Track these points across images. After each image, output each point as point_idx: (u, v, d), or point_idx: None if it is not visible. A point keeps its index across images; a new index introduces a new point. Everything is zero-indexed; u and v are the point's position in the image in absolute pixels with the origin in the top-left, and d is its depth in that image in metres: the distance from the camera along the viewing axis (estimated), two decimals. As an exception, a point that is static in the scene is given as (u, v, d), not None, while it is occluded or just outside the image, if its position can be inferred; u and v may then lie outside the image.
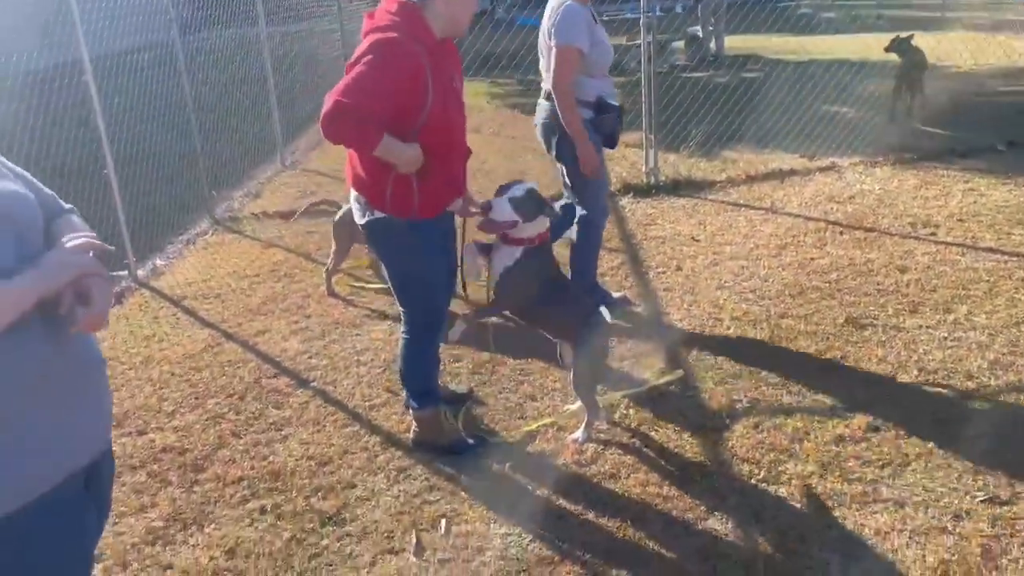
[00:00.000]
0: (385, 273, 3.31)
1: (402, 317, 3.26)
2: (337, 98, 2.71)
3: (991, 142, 7.37)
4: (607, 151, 4.44)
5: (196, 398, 3.82)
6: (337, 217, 4.80)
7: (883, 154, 7.28)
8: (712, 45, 14.82)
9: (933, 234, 5.39)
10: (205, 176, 6.78)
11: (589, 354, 3.26)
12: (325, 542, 2.82)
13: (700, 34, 15.04)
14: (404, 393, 3.37)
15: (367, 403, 3.71)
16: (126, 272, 5.43)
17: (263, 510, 3.00)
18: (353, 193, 3.10)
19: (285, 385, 3.91)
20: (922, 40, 8.85)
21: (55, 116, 5.58)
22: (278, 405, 3.73)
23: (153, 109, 6.72)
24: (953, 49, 10.67)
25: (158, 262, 5.84)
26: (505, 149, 8.86)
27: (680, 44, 15.61)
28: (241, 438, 3.49)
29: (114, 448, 3.29)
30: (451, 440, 3.32)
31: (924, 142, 7.61)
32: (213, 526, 2.93)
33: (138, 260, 5.63)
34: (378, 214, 3.01)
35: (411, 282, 3.17)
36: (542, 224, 3.15)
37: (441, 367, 3.84)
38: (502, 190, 3.11)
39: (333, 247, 4.85)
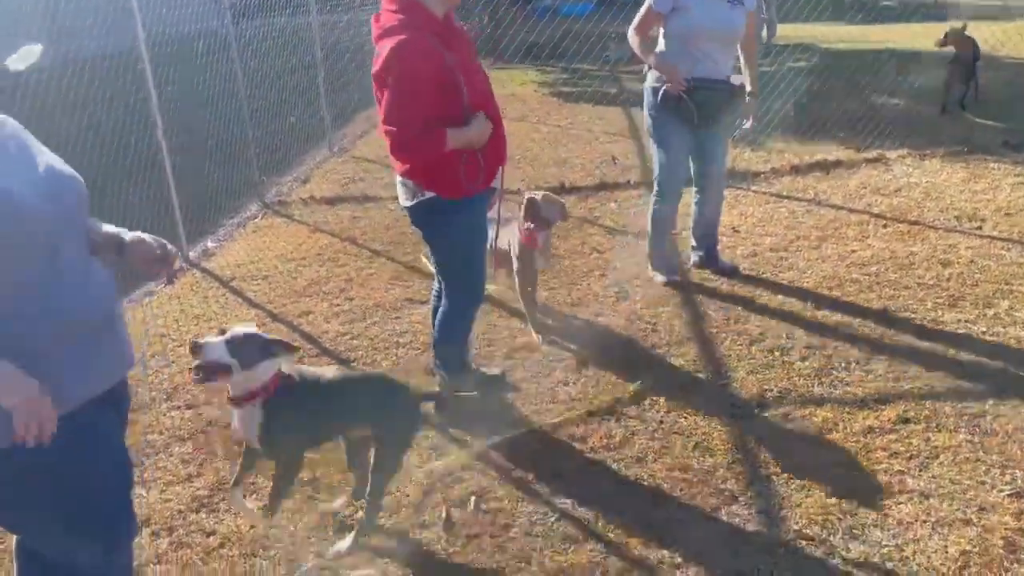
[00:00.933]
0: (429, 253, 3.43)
1: (443, 291, 3.39)
2: (387, 129, 2.99)
3: (1047, 135, 7.20)
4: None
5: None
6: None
7: (933, 146, 7.16)
8: (764, 33, 14.63)
9: (979, 228, 5.31)
10: (255, 162, 6.97)
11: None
12: (359, 514, 2.94)
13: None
14: (433, 359, 3.55)
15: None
16: (179, 253, 5.63)
17: (302, 483, 3.13)
18: (399, 178, 3.21)
19: (327, 364, 4.04)
20: (985, 30, 8.66)
21: (111, 103, 5.80)
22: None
23: (206, 96, 6.91)
24: (1013, 38, 10.37)
25: (209, 244, 6.05)
26: (549, 137, 8.92)
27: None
28: (283, 414, 3.63)
29: (164, 421, 3.49)
30: (475, 406, 3.51)
31: (977, 134, 7.46)
32: (255, 496, 3.07)
33: (190, 242, 5.83)
34: (428, 195, 3.13)
35: (458, 258, 3.30)
36: (265, 372, 2.53)
37: (475, 351, 3.97)
38: (222, 332, 2.54)
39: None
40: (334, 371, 2.96)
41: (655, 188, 4.79)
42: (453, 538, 2.81)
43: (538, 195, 4.15)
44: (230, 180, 6.87)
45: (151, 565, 2.75)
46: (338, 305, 4.76)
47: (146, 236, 2.10)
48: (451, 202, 3.15)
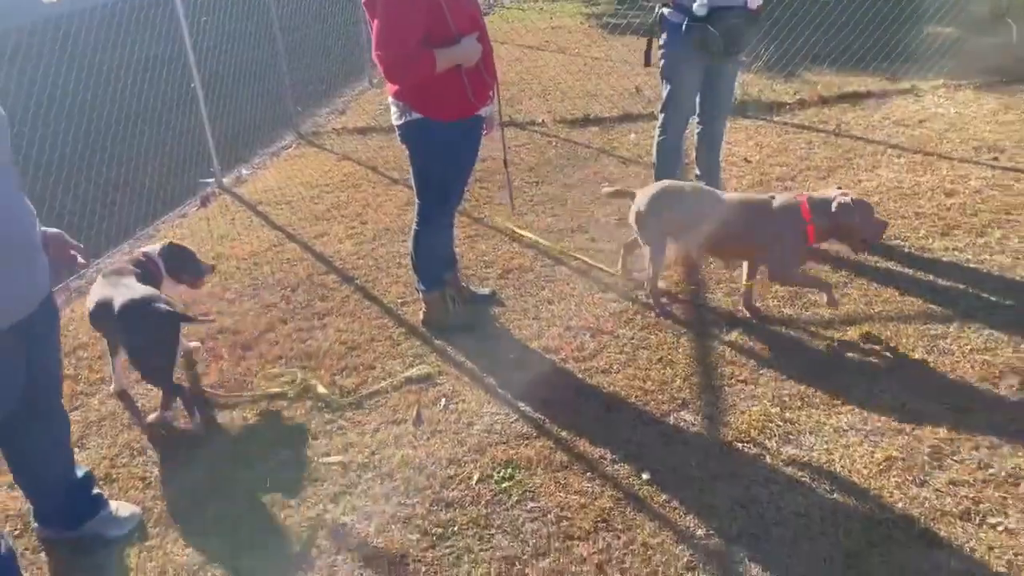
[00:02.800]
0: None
1: (417, 208, 3.60)
2: (378, 54, 3.18)
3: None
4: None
5: (254, 289, 4.31)
6: (638, 208, 3.81)
7: (971, 76, 6.97)
8: None
9: (996, 159, 5.25)
10: (290, 94, 7.24)
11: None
12: (342, 411, 3.24)
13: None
14: (414, 277, 3.79)
15: (400, 300, 4.10)
16: (212, 180, 5.99)
17: (292, 381, 3.45)
18: (391, 99, 3.41)
19: (332, 281, 4.34)
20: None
21: (146, 42, 6.11)
22: (323, 298, 4.17)
23: (242, 29, 7.18)
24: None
25: (243, 171, 6.38)
26: (585, 69, 8.93)
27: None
28: (287, 324, 3.95)
29: (184, 327, 3.83)
30: (457, 321, 3.75)
31: (1018, 64, 7.21)
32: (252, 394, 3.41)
33: (224, 169, 6.17)
34: (415, 115, 3.33)
35: (433, 177, 3.51)
36: None
37: (471, 272, 4.21)
38: None
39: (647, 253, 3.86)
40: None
41: (660, 120, 4.86)
42: (420, 432, 3.09)
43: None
44: (268, 112, 7.17)
45: (150, 449, 3.10)
46: (352, 228, 5.04)
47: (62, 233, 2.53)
48: (437, 123, 3.34)
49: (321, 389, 3.35)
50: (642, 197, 3.82)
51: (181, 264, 3.61)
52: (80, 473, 2.71)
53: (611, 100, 7.48)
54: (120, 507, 2.75)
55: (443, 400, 3.27)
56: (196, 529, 2.71)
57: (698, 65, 4.55)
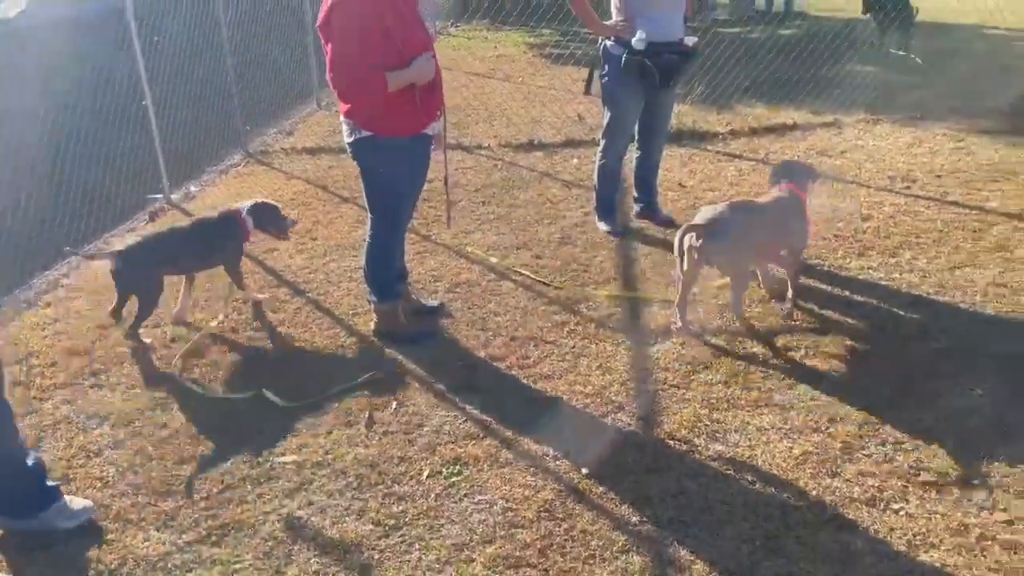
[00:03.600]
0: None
1: (370, 222, 3.78)
2: (332, 76, 3.40)
3: (1000, 103, 7.49)
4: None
5: (207, 301, 4.40)
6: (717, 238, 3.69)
7: (889, 112, 7.47)
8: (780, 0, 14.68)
9: (908, 188, 5.67)
10: (240, 114, 7.34)
11: None
12: (296, 414, 3.37)
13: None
14: (366, 289, 3.95)
15: (351, 312, 4.25)
16: (161, 196, 6.04)
17: (247, 387, 3.56)
18: (342, 118, 3.59)
19: (284, 294, 4.47)
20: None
21: (100, 59, 6.16)
22: (275, 310, 4.30)
23: (193, 49, 7.27)
24: (1003, 7, 10.60)
25: (192, 188, 6.45)
26: (530, 96, 9.21)
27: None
28: (239, 334, 4.06)
29: (128, 343, 3.90)
30: (409, 331, 3.92)
31: (933, 101, 7.75)
32: (206, 400, 3.51)
33: (173, 185, 6.24)
34: (365, 133, 3.51)
35: (384, 193, 3.69)
36: None
37: (420, 285, 4.39)
38: None
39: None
40: None
41: (601, 145, 5.15)
42: (372, 433, 3.24)
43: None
44: (218, 131, 7.25)
45: (107, 450, 3.19)
46: (303, 244, 5.17)
47: None
48: (386, 140, 3.53)
49: (270, 396, 3.46)
50: (717, 225, 3.68)
51: (267, 218, 4.24)
52: (30, 461, 2.75)
53: (554, 126, 7.77)
54: (73, 500, 2.83)
55: (394, 404, 3.43)
56: (155, 524, 2.80)
57: (637, 95, 4.86)
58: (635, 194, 5.43)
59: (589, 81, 4.82)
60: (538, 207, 5.72)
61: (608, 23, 4.77)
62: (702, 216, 3.80)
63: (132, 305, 3.96)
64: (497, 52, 12.67)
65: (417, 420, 3.32)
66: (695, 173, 6.24)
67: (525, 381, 3.58)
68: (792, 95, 8.08)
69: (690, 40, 4.71)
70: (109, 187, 5.78)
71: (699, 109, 8.02)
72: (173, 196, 6.17)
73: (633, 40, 4.62)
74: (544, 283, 4.48)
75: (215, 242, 4.13)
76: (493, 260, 4.79)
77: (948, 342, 3.71)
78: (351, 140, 3.60)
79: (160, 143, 6.03)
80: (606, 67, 4.86)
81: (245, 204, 4.23)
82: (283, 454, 3.13)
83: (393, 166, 3.60)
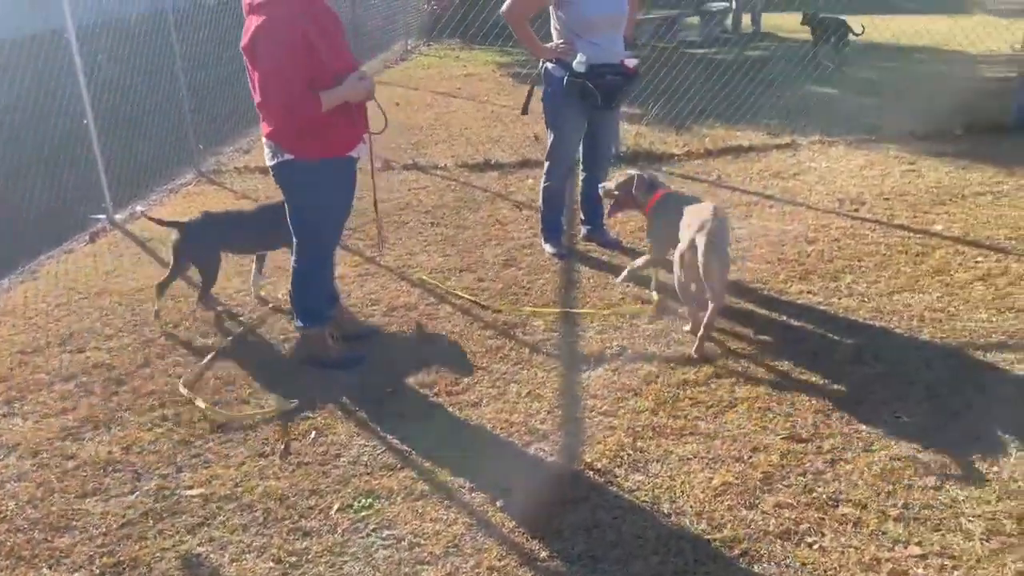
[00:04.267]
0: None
1: (295, 246, 3.71)
2: (261, 101, 3.35)
3: (952, 125, 7.53)
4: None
5: (135, 325, 4.31)
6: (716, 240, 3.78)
7: (845, 134, 7.50)
8: (748, 21, 14.76)
9: (856, 210, 5.66)
10: (193, 132, 7.26)
11: None
12: (209, 445, 3.28)
13: (714, 9, 15.13)
14: (293, 314, 3.88)
15: (283, 336, 4.16)
16: (104, 216, 5.94)
17: (164, 417, 3.47)
18: (264, 139, 3.53)
19: (216, 317, 4.37)
20: (941, 23, 9.14)
21: (42, 76, 6.07)
22: (205, 334, 4.20)
23: (145, 69, 7.19)
24: (956, 33, 10.74)
25: (138, 208, 6.35)
26: (492, 116, 9.21)
27: (694, 20, 15.75)
28: (165, 359, 3.97)
29: (52, 363, 3.80)
30: (335, 357, 3.84)
31: (888, 123, 7.79)
32: (119, 428, 3.41)
33: (118, 205, 6.14)
34: (287, 156, 3.45)
35: (307, 218, 3.62)
36: None
37: (356, 309, 4.31)
38: None
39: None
40: None
41: (546, 167, 5.12)
42: (286, 464, 3.15)
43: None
44: (169, 149, 7.16)
45: (10, 482, 3.08)
46: (243, 266, 5.06)
47: None
48: (307, 163, 3.47)
49: (200, 403, 3.39)
50: (711, 228, 3.72)
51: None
52: None
53: (512, 147, 7.74)
54: None
55: (313, 432, 3.34)
56: (48, 561, 2.70)
57: (579, 116, 4.83)
58: (581, 216, 5.39)
59: (527, 102, 4.79)
60: (487, 228, 5.67)
61: (548, 45, 4.74)
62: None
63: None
64: (466, 71, 12.68)
65: (335, 450, 3.23)
66: (647, 195, 6.20)
67: (451, 409, 3.51)
68: (752, 116, 8.09)
69: (631, 61, 4.70)
70: (49, 207, 5.68)
71: (658, 130, 8.03)
72: (117, 216, 6.06)
73: (574, 63, 4.60)
74: (482, 306, 4.42)
75: (278, 226, 3.94)
76: (433, 283, 4.72)
77: (880, 367, 3.67)
78: (273, 163, 3.53)
79: (103, 163, 5.94)
80: (548, 89, 4.83)
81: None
82: (191, 487, 3.04)
83: (317, 189, 3.54)
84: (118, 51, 6.79)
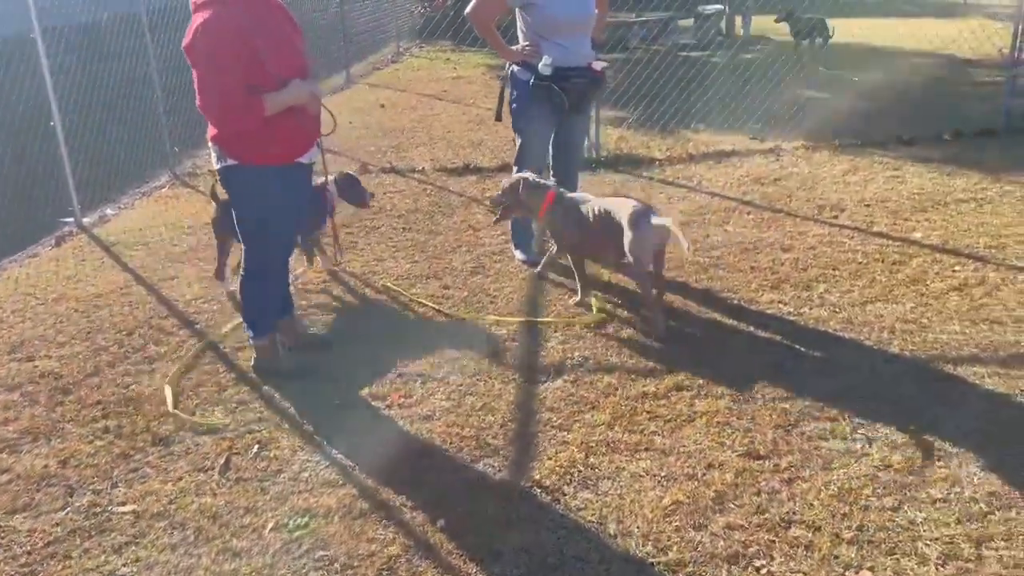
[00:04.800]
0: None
1: (244, 255, 3.61)
2: (202, 103, 3.23)
3: (940, 129, 7.42)
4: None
5: (89, 332, 4.21)
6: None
7: (830, 139, 7.39)
8: (738, 24, 14.67)
9: (835, 217, 5.55)
10: (168, 134, 7.16)
11: None
12: (148, 459, 3.18)
13: (709, 12, 15.04)
14: (243, 324, 3.77)
15: (238, 344, 4.06)
16: (71, 219, 5.85)
17: (107, 429, 3.37)
18: (210, 143, 3.42)
19: (172, 325, 4.28)
20: (937, 26, 9.05)
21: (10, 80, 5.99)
22: (158, 342, 4.10)
23: (117, 72, 7.11)
24: (955, 37, 10.63)
25: (108, 211, 6.26)
26: (476, 119, 9.12)
27: (688, 22, 15.65)
28: (115, 368, 3.87)
29: (0, 371, 3.70)
30: (286, 367, 3.76)
31: (875, 128, 7.68)
32: (59, 440, 3.31)
33: (87, 209, 6.05)
34: (232, 160, 3.35)
35: (254, 224, 3.52)
36: None
37: (314, 316, 4.21)
38: None
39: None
40: None
41: (513, 172, 5.00)
42: (225, 480, 3.05)
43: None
44: (143, 152, 7.07)
45: (-61, 496, 2.98)
46: (207, 272, 4.97)
47: None
48: (253, 168, 3.37)
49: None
50: (650, 221, 3.88)
51: (350, 190, 4.71)
52: None
53: (493, 150, 7.65)
54: None
55: (256, 447, 3.24)
56: (-34, 582, 2.60)
57: (546, 120, 4.73)
58: (554, 222, 5.28)
59: (500, 107, 4.69)
60: (459, 234, 5.57)
61: (515, 47, 4.64)
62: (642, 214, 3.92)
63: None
64: (455, 73, 12.59)
65: (276, 466, 3.13)
66: (624, 200, 6.10)
67: (402, 422, 3.41)
68: (737, 121, 7.99)
69: (599, 64, 4.59)
70: (13, 211, 5.59)
71: (642, 135, 7.93)
72: (85, 220, 5.97)
73: (539, 65, 4.49)
74: (444, 314, 4.32)
75: (315, 210, 4.21)
76: (397, 290, 4.62)
77: (847, 381, 3.56)
78: (219, 167, 3.43)
79: (70, 164, 5.84)
80: (514, 92, 4.73)
81: (330, 177, 4.50)
82: (124, 503, 2.94)
83: (262, 196, 3.43)
84: (89, 53, 6.69)
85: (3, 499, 2.97)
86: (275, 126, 3.33)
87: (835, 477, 2.95)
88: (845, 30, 12.39)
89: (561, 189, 4.43)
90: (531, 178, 4.41)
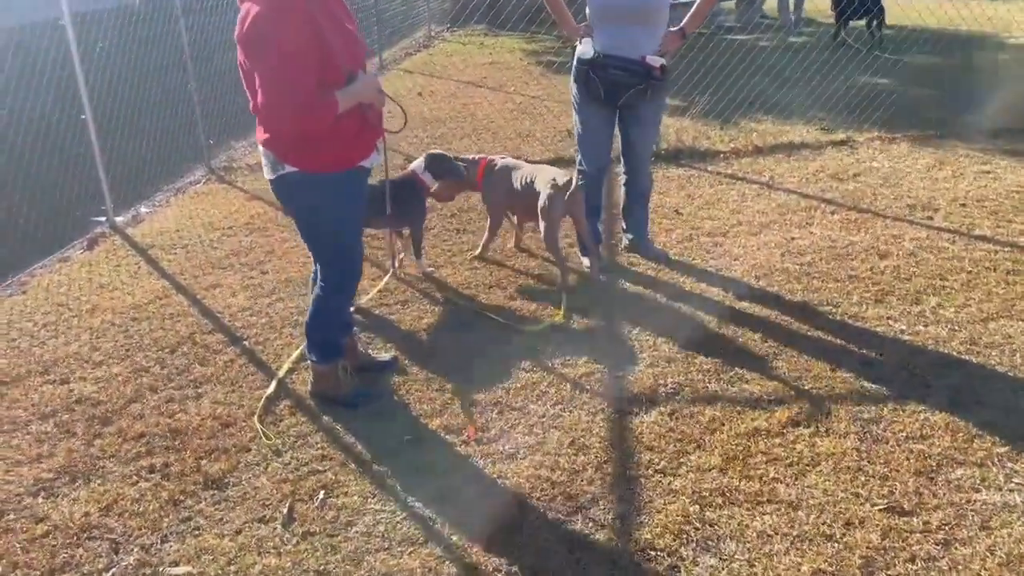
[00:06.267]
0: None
1: (321, 274, 3.22)
2: (271, 100, 2.77)
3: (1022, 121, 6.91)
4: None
5: (127, 350, 3.84)
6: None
7: (906, 129, 6.89)
8: (792, 3, 14.06)
9: (930, 218, 5.09)
10: (202, 126, 6.79)
11: None
12: (200, 505, 2.81)
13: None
14: (305, 345, 3.39)
15: (291, 366, 3.68)
16: (104, 219, 5.49)
17: (152, 468, 3.00)
18: (261, 149, 3.03)
19: (217, 342, 3.90)
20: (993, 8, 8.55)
21: (39, 67, 5.62)
22: (204, 362, 3.73)
23: (151, 58, 6.73)
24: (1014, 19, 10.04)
25: (142, 210, 5.90)
26: (520, 107, 8.69)
27: (730, 3, 15.08)
28: (157, 393, 3.49)
29: (32, 396, 3.35)
30: (348, 393, 3.38)
31: (955, 117, 7.17)
32: (99, 481, 2.94)
33: (120, 207, 5.69)
34: (289, 168, 2.95)
35: (325, 236, 3.14)
36: None
37: (372, 335, 3.83)
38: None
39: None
40: None
41: (577, 161, 4.60)
42: (290, 534, 2.67)
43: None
44: (177, 145, 6.70)
45: (-32, 552, 2.63)
46: (251, 278, 4.60)
47: None
48: (314, 177, 2.97)
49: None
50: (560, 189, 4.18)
51: (442, 168, 4.44)
52: None
53: (543, 142, 7.21)
54: None
55: (322, 492, 2.85)
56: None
57: (598, 108, 4.36)
58: (623, 224, 4.86)
59: None
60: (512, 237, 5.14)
61: (580, 25, 4.30)
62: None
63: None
64: (491, 59, 12.14)
65: (347, 516, 2.74)
66: (693, 198, 5.67)
67: (482, 463, 3.01)
68: (801, 109, 7.50)
69: (655, 60, 4.14)
70: (44, 211, 5.24)
71: (701, 124, 7.46)
72: (118, 219, 5.61)
73: (578, 48, 4.18)
74: (515, 329, 3.91)
75: (396, 204, 3.90)
76: (461, 302, 4.22)
77: (985, 415, 3.12)
78: (273, 177, 3.03)
79: (102, 160, 5.48)
80: (572, 75, 4.40)
81: (419, 162, 4.41)
82: (176, 562, 2.56)
83: (328, 206, 3.03)
84: (120, 39, 6.31)
85: (40, 557, 2.60)
86: (341, 127, 2.92)
87: (998, 540, 2.52)
88: (898, 13, 11.79)
89: (492, 157, 4.62)
90: (436, 152, 4.51)
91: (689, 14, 4.33)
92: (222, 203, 5.96)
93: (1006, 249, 4.54)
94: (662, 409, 3.27)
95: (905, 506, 2.68)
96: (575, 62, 4.33)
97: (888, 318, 3.88)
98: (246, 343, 3.89)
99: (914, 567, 2.44)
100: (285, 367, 3.63)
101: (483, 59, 12.15)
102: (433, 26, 15.10)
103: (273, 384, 3.49)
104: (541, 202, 4.23)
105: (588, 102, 4.37)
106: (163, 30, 6.66)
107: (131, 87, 6.52)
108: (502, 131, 7.73)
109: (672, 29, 4.30)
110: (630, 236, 4.79)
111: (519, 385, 3.48)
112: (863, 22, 11.59)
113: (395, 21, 13.37)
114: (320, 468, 2.98)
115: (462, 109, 8.71)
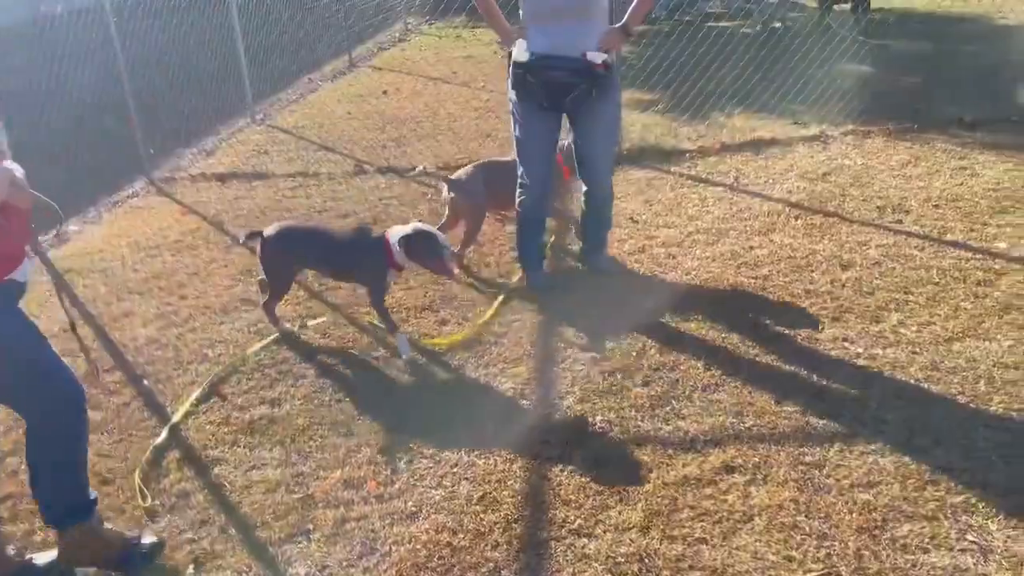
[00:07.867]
0: None
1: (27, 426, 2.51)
2: None
3: (1007, 111, 6.54)
4: None
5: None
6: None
7: (882, 122, 6.54)
8: None
9: (899, 221, 4.75)
10: (139, 134, 6.47)
11: None
12: None
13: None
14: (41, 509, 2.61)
15: (191, 410, 3.37)
16: (24, 240, 5.17)
17: (10, 538, 2.70)
18: None
19: (115, 381, 3.61)
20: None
21: None
22: (96, 406, 3.41)
23: (86, 75, 6.42)
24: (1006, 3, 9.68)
25: (72, 228, 5.59)
26: (486, 106, 8.35)
27: (713, -11, 14.68)
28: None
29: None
30: (117, 551, 2.57)
31: (931, 108, 6.81)
32: None
33: (39, 227, 5.36)
34: None
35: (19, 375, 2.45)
36: None
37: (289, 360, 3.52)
38: None
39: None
40: None
41: (520, 174, 4.26)
42: (147, 619, 2.37)
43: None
44: (117, 155, 6.40)
45: None
46: (167, 304, 4.30)
47: None
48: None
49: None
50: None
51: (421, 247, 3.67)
52: None
53: (501, 144, 6.87)
54: None
55: (191, 567, 2.55)
56: None
57: (533, 115, 4.01)
58: (575, 231, 4.55)
59: None
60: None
61: (511, 27, 3.95)
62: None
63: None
64: (466, 52, 11.77)
65: (214, 595, 2.44)
66: (651, 203, 5.33)
67: (379, 524, 2.71)
68: (775, 100, 7.13)
69: (596, 57, 3.79)
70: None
71: (669, 119, 7.11)
72: (42, 239, 5.28)
73: (514, 51, 3.82)
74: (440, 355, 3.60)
75: (355, 256, 3.74)
76: (379, 327, 3.91)
77: (941, 456, 2.81)
78: None
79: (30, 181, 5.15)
80: (508, 78, 4.04)
81: (400, 231, 3.67)
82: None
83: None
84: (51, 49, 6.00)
85: None
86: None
87: (948, 614, 2.21)
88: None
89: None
90: (425, 229, 3.72)
91: (630, 9, 3.98)
92: (155, 218, 5.65)
93: (978, 257, 4.21)
94: (586, 454, 2.96)
95: (843, 572, 2.37)
96: (511, 67, 3.97)
97: (844, 339, 3.56)
98: (146, 382, 3.59)
99: (846, 651, 2.13)
100: (180, 413, 3.32)
101: (457, 53, 11.78)
102: (411, 19, 14.72)
103: (164, 432, 3.19)
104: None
105: (529, 109, 4.03)
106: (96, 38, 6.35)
107: (54, 99, 6.20)
108: (463, 131, 7.40)
109: (614, 26, 3.97)
110: (583, 246, 4.48)
111: (432, 424, 3.18)
112: (848, 6, 11.19)
113: (368, 14, 13.00)
114: (196, 537, 2.68)
115: (424, 108, 8.37)
